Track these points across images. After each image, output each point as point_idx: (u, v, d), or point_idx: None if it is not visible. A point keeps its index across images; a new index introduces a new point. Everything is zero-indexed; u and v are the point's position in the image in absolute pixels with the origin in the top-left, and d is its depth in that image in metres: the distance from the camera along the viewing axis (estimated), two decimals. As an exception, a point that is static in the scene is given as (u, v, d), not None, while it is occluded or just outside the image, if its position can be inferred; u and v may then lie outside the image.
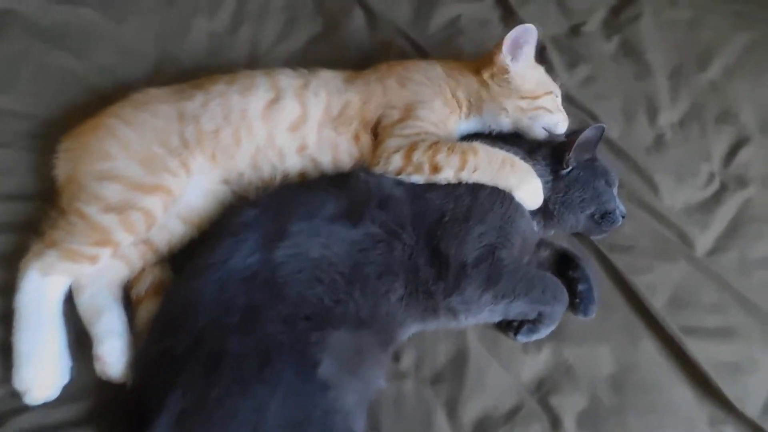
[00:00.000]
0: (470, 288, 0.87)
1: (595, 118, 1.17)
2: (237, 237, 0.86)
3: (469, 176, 0.92)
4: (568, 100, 1.17)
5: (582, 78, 1.23)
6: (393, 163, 0.93)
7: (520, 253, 0.94)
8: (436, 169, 0.92)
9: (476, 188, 0.93)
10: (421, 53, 1.22)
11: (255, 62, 1.18)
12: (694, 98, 1.21)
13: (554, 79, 1.07)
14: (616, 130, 1.17)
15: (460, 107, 1.03)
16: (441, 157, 0.92)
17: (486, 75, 1.01)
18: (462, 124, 1.04)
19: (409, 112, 0.98)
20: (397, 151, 0.94)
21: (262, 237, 0.86)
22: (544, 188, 0.96)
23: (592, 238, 1.04)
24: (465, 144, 0.94)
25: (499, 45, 0.99)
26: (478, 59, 1.05)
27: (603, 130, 0.96)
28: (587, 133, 0.95)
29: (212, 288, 0.83)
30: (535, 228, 0.99)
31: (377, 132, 0.99)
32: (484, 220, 0.91)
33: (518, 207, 0.94)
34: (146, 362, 0.82)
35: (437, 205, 0.92)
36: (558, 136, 1.03)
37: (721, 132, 1.18)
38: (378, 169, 0.94)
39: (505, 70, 0.99)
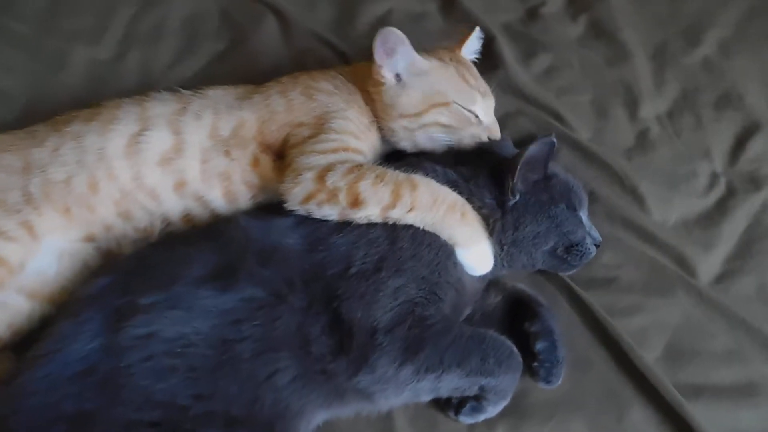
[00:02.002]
0: (382, 362, 0.67)
1: (559, 118, 0.98)
2: (77, 317, 0.68)
3: (401, 217, 0.73)
4: (525, 99, 0.99)
5: (541, 70, 1.05)
6: (301, 186, 0.74)
7: (455, 307, 0.74)
8: (356, 201, 0.73)
9: (397, 229, 0.74)
10: (346, 61, 1.06)
11: (147, 90, 0.98)
12: (684, 82, 1.03)
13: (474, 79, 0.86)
14: (587, 130, 0.98)
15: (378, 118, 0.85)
16: (365, 186, 0.73)
17: (371, 87, 0.84)
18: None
19: (321, 126, 0.81)
20: (309, 169, 0.75)
21: (107, 315, 0.68)
22: (495, 229, 0.77)
23: (561, 274, 0.83)
24: (400, 174, 0.75)
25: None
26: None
27: (553, 144, 0.75)
28: (532, 151, 0.74)
29: (36, 389, 0.64)
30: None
31: (285, 153, 0.81)
32: (403, 271, 0.71)
33: (452, 251, 0.75)
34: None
35: (342, 252, 0.72)
36: (501, 149, 0.83)
37: (722, 120, 0.99)
38: (285, 194, 0.75)
39: (380, 82, 0.83)
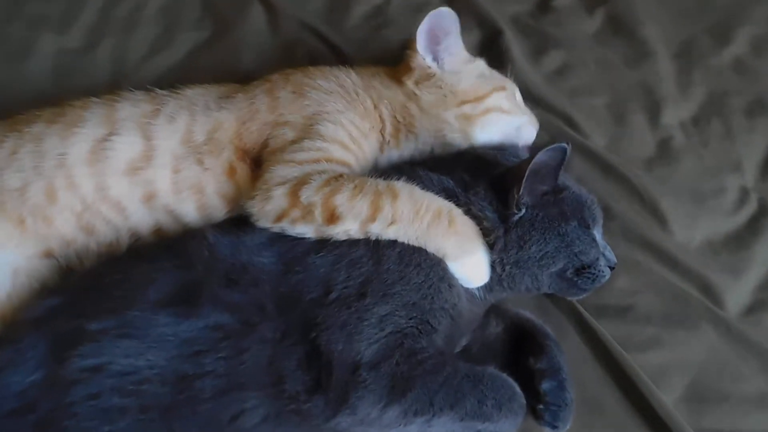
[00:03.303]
0: (365, 402, 0.60)
1: (571, 123, 0.92)
2: (18, 344, 0.62)
3: (381, 232, 0.67)
4: (534, 101, 0.93)
5: (553, 69, 0.99)
6: (273, 203, 0.68)
7: (450, 338, 0.67)
8: (332, 216, 0.66)
9: (381, 247, 0.67)
10: (338, 54, 0.99)
11: (119, 83, 0.96)
12: (712, 84, 0.97)
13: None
14: (602, 137, 0.93)
15: (383, 125, 0.80)
16: (341, 200, 0.66)
17: (410, 84, 0.80)
18: (388, 150, 0.80)
19: (307, 129, 0.75)
20: (281, 184, 0.69)
21: (53, 342, 0.62)
22: (496, 246, 0.69)
23: (569, 298, 0.76)
24: (380, 183, 0.69)
25: (412, 43, 0.80)
26: (398, 64, 0.83)
27: (565, 151, 0.67)
28: (542, 158, 0.67)
29: (-33, 429, 0.59)
30: (477, 294, 0.71)
31: (261, 160, 0.75)
32: (390, 296, 0.64)
33: (445, 271, 0.68)
34: None
35: (322, 274, 0.66)
36: (506, 157, 0.76)
37: (755, 129, 0.93)
38: (255, 212, 0.69)
39: (429, 75, 0.80)
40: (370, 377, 0.61)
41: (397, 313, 0.64)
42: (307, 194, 0.67)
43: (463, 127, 0.79)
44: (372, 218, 0.66)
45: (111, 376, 0.60)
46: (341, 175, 0.69)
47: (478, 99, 0.80)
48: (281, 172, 0.70)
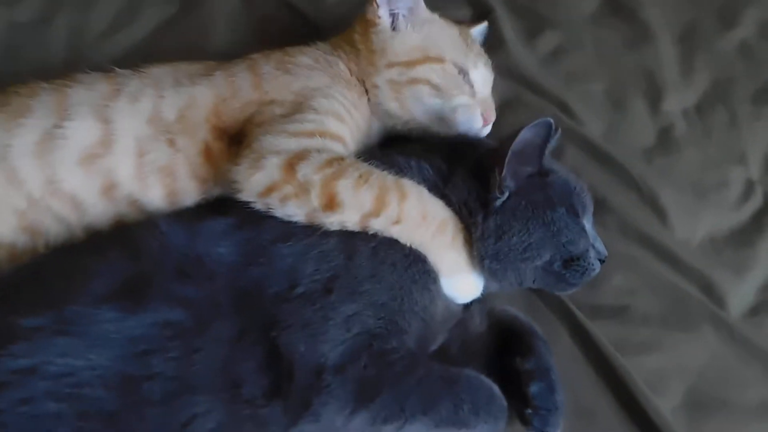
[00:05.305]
0: (329, 409, 0.58)
1: (566, 109, 0.91)
2: None
3: (384, 228, 0.65)
4: (526, 84, 0.92)
5: (548, 51, 0.98)
6: (264, 173, 0.65)
7: (422, 339, 0.65)
8: (331, 202, 0.64)
9: (356, 240, 0.65)
10: (317, 32, 0.95)
11: (76, 62, 0.91)
12: (717, 70, 0.97)
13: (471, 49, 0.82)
14: (600, 125, 0.91)
15: (365, 89, 0.79)
16: (344, 186, 0.64)
17: (357, 35, 0.79)
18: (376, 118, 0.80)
19: (299, 103, 0.73)
20: (275, 153, 0.66)
21: None
22: (474, 236, 0.68)
23: (558, 293, 0.74)
24: (388, 178, 0.67)
25: None
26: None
27: (550, 126, 0.66)
28: (526, 135, 0.65)
29: None
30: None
31: (245, 133, 0.72)
32: (358, 294, 0.63)
33: (421, 273, 0.66)
34: None
35: (288, 265, 0.63)
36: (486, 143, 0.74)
37: (761, 118, 0.92)
38: (240, 181, 0.65)
39: (374, 23, 0.78)
40: (335, 381, 0.59)
41: (364, 312, 0.62)
42: (304, 171, 0.64)
43: (394, 95, 0.77)
44: (375, 213, 0.65)
45: (45, 378, 0.56)
46: (343, 158, 0.67)
47: (407, 65, 0.77)
48: (273, 140, 0.67)
